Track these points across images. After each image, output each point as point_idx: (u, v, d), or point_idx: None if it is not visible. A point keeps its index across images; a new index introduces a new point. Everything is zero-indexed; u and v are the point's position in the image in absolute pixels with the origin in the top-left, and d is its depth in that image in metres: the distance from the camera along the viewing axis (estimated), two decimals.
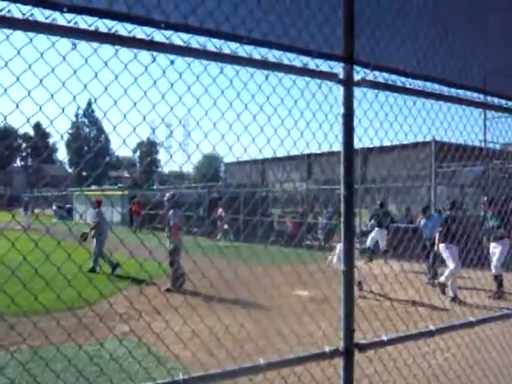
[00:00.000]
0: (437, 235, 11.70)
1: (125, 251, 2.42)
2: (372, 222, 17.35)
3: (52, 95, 1.91)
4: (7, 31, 1.90)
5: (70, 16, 1.97)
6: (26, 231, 2.03)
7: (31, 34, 1.91)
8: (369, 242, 16.65)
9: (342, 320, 2.80)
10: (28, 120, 1.94)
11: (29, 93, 1.91)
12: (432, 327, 3.38)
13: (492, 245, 11.50)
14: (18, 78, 1.88)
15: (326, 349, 2.78)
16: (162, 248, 11.29)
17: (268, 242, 20.64)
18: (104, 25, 2.06)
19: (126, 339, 6.68)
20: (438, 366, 5.05)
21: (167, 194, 12.92)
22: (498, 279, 11.33)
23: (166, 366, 5.28)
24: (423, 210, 14.24)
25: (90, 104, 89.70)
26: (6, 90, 1.86)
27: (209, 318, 6.18)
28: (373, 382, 4.21)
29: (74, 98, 2.04)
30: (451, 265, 11.08)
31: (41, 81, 1.92)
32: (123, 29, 2.09)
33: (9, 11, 1.85)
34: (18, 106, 1.89)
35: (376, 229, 16.53)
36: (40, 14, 1.92)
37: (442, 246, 11.32)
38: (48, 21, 1.92)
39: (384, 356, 3.86)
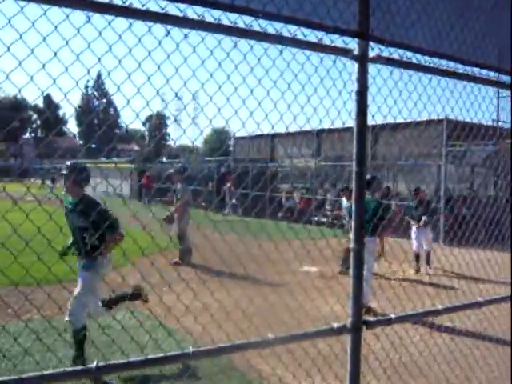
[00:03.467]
0: None
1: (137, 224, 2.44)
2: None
3: (66, 68, 1.91)
4: (21, 3, 1.89)
5: None
6: (41, 204, 2.04)
7: (45, 7, 1.90)
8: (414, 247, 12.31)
9: (351, 297, 2.82)
10: (42, 93, 1.94)
11: (43, 65, 1.91)
12: (439, 306, 3.39)
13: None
14: (32, 51, 1.87)
15: (334, 325, 2.80)
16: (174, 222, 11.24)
17: (277, 218, 20.70)
18: None
19: (136, 311, 6.77)
20: (444, 344, 5.08)
21: (176, 166, 12.93)
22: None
23: (176, 338, 5.36)
24: (344, 189, 12.14)
25: (99, 76, 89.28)
26: (20, 63, 1.86)
27: (219, 292, 6.24)
28: (379, 358, 4.25)
29: (88, 71, 2.03)
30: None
31: (55, 54, 1.91)
32: (137, 1, 2.08)
33: None
34: (32, 79, 1.89)
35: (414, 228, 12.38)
36: None
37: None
38: None
39: (391, 333, 3.89)
